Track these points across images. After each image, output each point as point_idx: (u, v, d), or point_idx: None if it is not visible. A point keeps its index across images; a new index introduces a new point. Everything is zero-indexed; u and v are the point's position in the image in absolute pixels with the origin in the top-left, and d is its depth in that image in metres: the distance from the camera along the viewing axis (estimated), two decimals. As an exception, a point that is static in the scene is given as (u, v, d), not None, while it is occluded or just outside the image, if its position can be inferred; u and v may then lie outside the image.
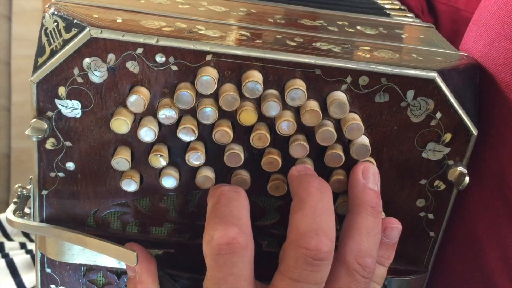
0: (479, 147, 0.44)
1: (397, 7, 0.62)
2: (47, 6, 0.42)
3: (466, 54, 0.45)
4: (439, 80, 0.40)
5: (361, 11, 0.53)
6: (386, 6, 0.61)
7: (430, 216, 0.44)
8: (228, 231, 0.38)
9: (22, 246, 0.79)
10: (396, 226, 0.42)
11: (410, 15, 0.58)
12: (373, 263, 0.40)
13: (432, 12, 0.75)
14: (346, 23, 0.49)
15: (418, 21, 0.55)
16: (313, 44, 0.42)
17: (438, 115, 0.41)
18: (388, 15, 0.55)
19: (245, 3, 0.51)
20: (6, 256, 0.77)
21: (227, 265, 0.38)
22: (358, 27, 0.49)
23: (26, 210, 0.47)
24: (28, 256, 0.76)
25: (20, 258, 0.76)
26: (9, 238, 0.80)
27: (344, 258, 0.40)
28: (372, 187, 0.41)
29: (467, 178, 0.42)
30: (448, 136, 0.42)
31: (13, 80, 1.65)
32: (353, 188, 0.42)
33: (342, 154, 0.42)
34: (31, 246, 0.78)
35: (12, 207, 0.46)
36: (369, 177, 0.41)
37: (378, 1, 0.64)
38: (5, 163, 1.70)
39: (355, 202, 0.41)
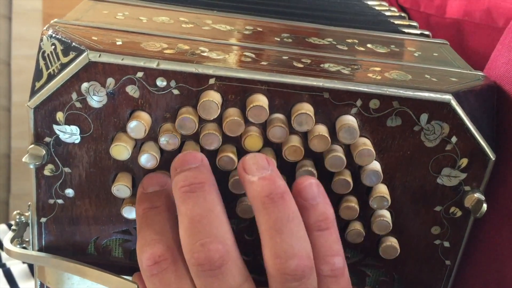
0: (508, 177, 0.41)
1: (397, 14, 0.60)
2: (45, 28, 0.40)
3: (482, 74, 0.43)
4: (454, 103, 0.38)
5: (372, 27, 0.51)
6: (387, 14, 0.59)
7: (446, 244, 0.43)
8: (154, 250, 0.37)
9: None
10: (307, 183, 0.37)
11: (414, 24, 0.56)
12: (301, 261, 0.35)
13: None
14: (356, 41, 0.47)
15: (427, 33, 0.53)
16: (321, 65, 0.41)
17: (454, 139, 0.39)
18: (399, 30, 0.53)
19: (251, 20, 0.49)
20: (3, 266, 0.76)
21: (163, 283, 0.37)
22: (369, 45, 0.47)
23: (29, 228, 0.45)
24: (25, 266, 0.75)
25: (17, 267, 0.75)
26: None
27: (269, 273, 0.36)
28: (260, 175, 0.36)
29: (484, 206, 0.40)
30: (464, 161, 0.40)
31: (13, 80, 1.64)
32: (245, 189, 0.37)
33: (350, 180, 0.40)
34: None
35: (10, 234, 0.44)
36: (250, 167, 0.36)
37: (377, 8, 0.62)
38: (5, 163, 1.69)
39: (251, 202, 0.37)
